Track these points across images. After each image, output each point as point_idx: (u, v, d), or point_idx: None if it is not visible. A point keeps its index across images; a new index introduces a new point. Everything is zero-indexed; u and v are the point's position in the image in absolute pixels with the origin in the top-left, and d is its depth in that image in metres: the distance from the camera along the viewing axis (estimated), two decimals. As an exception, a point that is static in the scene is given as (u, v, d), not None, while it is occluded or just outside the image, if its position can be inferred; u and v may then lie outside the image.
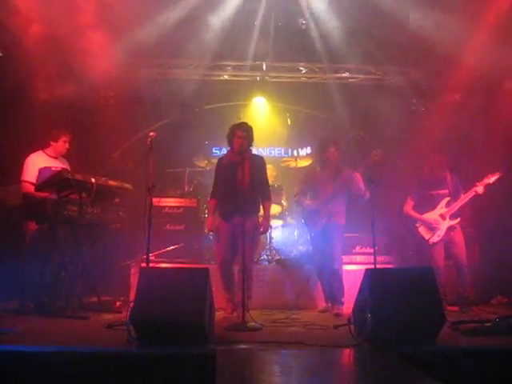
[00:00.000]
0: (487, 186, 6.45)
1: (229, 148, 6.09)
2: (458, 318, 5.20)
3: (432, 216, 6.61)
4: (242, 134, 5.82)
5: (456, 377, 3.75)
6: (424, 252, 6.89)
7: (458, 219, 6.59)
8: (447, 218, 6.56)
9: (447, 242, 6.57)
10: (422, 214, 6.70)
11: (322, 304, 6.59)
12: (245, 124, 5.91)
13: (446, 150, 7.00)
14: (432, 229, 6.59)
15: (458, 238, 6.58)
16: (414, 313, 4.19)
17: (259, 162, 6.06)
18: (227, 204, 5.84)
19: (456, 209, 6.57)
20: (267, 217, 6.04)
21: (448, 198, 6.61)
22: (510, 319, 4.89)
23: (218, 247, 6.06)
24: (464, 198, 6.54)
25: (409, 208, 6.84)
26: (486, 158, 7.50)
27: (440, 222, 6.57)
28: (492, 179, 6.46)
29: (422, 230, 6.68)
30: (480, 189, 6.44)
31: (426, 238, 6.62)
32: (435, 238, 6.56)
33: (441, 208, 6.61)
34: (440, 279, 6.39)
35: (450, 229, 6.56)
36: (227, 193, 5.82)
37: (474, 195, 6.48)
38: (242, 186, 5.66)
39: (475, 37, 7.56)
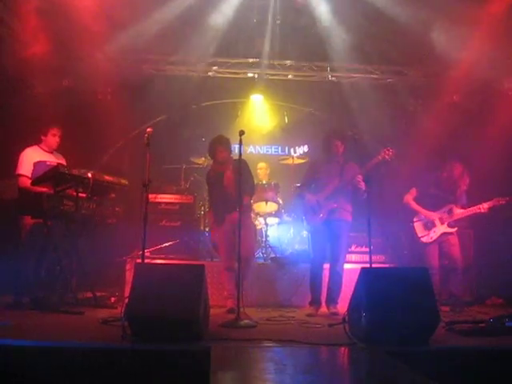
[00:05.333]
0: (493, 207, 6.45)
1: (212, 160, 6.69)
2: (451, 319, 5.23)
3: (432, 215, 6.60)
4: (222, 149, 6.32)
5: (449, 376, 3.77)
6: (419, 252, 6.90)
7: (455, 228, 6.59)
8: (446, 224, 6.56)
9: (441, 242, 6.58)
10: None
11: (306, 305, 6.39)
12: (223, 138, 6.34)
13: (465, 157, 6.94)
14: (427, 228, 6.60)
15: (453, 238, 6.59)
16: (408, 312, 4.21)
17: (243, 165, 6.17)
18: (219, 209, 6.35)
19: (457, 218, 6.56)
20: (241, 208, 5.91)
21: (452, 205, 6.60)
22: (503, 320, 4.92)
23: (222, 249, 6.35)
24: (468, 212, 6.53)
25: (410, 198, 6.81)
26: (484, 160, 7.51)
27: (438, 224, 6.56)
28: (500, 202, 6.44)
29: (417, 226, 6.67)
30: (485, 208, 6.43)
31: (419, 235, 6.63)
32: (427, 239, 6.57)
33: (443, 212, 6.60)
34: (434, 279, 6.42)
35: (446, 233, 6.56)
36: (219, 200, 6.36)
37: (478, 212, 6.48)
38: (229, 189, 6.10)
39: (473, 38, 7.58)
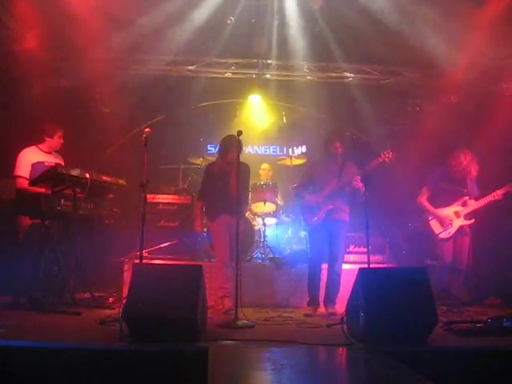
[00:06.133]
0: (507, 193, 6.41)
1: (219, 156, 6.60)
2: (449, 318, 5.24)
3: (446, 212, 6.54)
4: (235, 150, 6.08)
5: (447, 376, 3.77)
6: (417, 252, 6.87)
7: (473, 220, 6.52)
8: (462, 216, 6.50)
9: (456, 238, 6.51)
10: (435, 207, 6.61)
11: (304, 305, 6.38)
12: (239, 141, 6.03)
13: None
14: (444, 225, 6.53)
15: (466, 239, 6.51)
16: (406, 312, 4.21)
17: (245, 170, 6.34)
18: (218, 206, 6.28)
19: (472, 209, 6.52)
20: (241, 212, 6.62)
21: (466, 198, 6.54)
22: (501, 320, 4.92)
23: (218, 246, 6.33)
24: (483, 201, 6.46)
25: (423, 199, 6.69)
26: (483, 159, 7.50)
27: (454, 219, 6.49)
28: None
29: (433, 223, 6.56)
30: (499, 194, 6.40)
31: (436, 232, 6.52)
32: (445, 235, 6.46)
33: (457, 206, 6.54)
34: (445, 277, 6.38)
35: (461, 230, 6.52)
36: (219, 198, 6.26)
37: (493, 200, 6.44)
38: (234, 192, 5.89)
39: (471, 39, 7.59)
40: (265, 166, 9.00)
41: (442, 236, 6.53)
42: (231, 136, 6.25)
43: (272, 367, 3.37)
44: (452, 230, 6.49)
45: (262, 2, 7.95)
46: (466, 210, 6.50)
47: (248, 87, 9.86)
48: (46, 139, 6.50)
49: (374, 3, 7.61)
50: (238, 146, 6.03)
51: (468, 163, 6.47)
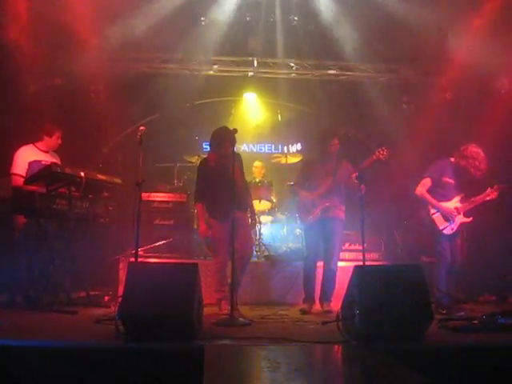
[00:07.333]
0: (499, 192, 6.34)
1: (212, 151, 6.20)
2: (444, 315, 5.25)
3: (449, 206, 6.36)
4: (229, 144, 5.80)
5: (443, 374, 3.78)
6: (412, 249, 6.85)
7: (471, 218, 6.43)
8: (461, 213, 6.38)
9: (452, 236, 6.37)
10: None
11: (300, 303, 6.36)
12: (232, 132, 5.73)
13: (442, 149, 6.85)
14: (448, 220, 6.39)
15: (459, 239, 6.48)
16: (402, 310, 4.22)
17: (240, 160, 6.17)
18: (223, 205, 5.87)
19: (469, 207, 6.37)
20: (254, 210, 6.47)
21: (463, 195, 6.39)
22: (496, 317, 4.93)
23: (222, 247, 6.02)
24: (480, 199, 6.37)
25: (424, 190, 6.39)
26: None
27: (456, 215, 6.40)
28: (503, 189, 6.34)
29: (436, 217, 6.32)
30: (495, 194, 6.38)
31: (440, 227, 6.30)
32: (449, 230, 6.29)
33: (456, 202, 6.40)
34: (442, 271, 6.32)
35: (462, 224, 6.39)
36: (221, 195, 5.88)
37: (489, 200, 6.37)
38: (235, 185, 5.61)
39: (465, 37, 7.61)
40: (257, 163, 8.96)
41: (445, 232, 6.31)
42: (222, 128, 6.08)
43: (268, 365, 3.37)
44: (455, 227, 6.31)
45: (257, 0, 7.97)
46: (465, 208, 6.42)
47: (243, 85, 9.87)
48: (45, 138, 6.48)
49: (370, 1, 7.64)
50: (232, 138, 5.75)
51: (485, 165, 6.34)
